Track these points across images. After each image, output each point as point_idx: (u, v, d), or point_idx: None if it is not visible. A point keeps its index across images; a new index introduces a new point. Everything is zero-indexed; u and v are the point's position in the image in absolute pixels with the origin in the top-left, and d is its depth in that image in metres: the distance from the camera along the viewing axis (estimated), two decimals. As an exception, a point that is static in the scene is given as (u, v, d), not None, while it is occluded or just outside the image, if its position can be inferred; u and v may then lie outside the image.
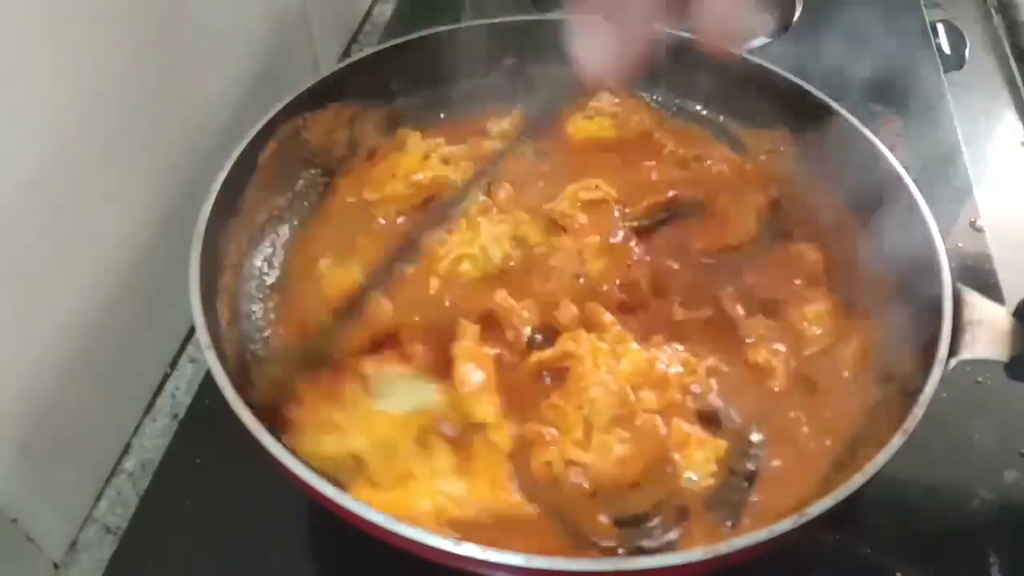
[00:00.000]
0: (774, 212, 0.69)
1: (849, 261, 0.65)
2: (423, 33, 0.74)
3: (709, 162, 0.73)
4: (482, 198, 0.68)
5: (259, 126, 0.64)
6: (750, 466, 0.54)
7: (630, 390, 0.54)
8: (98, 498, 0.62)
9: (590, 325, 0.59)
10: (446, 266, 0.64)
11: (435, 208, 0.68)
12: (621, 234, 0.66)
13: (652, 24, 0.44)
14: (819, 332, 0.60)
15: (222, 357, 0.51)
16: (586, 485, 0.52)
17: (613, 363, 0.56)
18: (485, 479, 0.51)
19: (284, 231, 0.68)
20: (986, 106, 0.99)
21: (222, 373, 0.49)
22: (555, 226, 0.67)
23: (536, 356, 0.57)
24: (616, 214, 0.68)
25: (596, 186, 0.68)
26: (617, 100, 0.77)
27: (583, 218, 0.67)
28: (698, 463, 0.53)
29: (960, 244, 0.79)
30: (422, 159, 0.70)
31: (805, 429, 0.56)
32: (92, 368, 0.60)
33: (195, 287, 0.53)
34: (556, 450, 0.52)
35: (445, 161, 0.71)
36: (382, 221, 0.69)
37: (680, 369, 0.57)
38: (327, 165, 0.72)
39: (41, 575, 0.58)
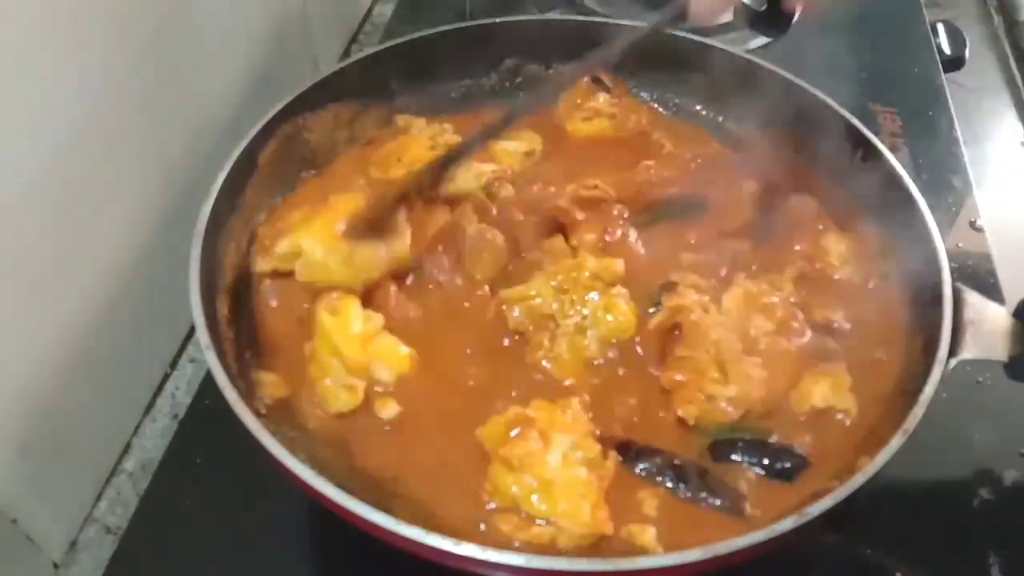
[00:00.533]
0: (769, 198, 0.69)
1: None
2: (423, 33, 0.74)
3: (703, 160, 0.73)
4: (482, 196, 0.68)
5: (259, 126, 0.64)
6: None
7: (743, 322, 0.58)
8: (98, 498, 0.62)
9: None
10: None
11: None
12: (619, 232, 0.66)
13: None
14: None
15: (222, 357, 0.52)
16: (735, 413, 0.55)
17: (715, 305, 0.59)
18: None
19: (284, 231, 0.68)
20: (986, 106, 0.99)
21: (222, 373, 0.49)
22: (552, 225, 0.68)
23: (653, 321, 0.59)
24: (615, 212, 0.67)
25: (595, 186, 0.68)
26: (616, 101, 0.77)
27: (581, 215, 0.67)
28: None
29: (960, 244, 0.79)
30: (428, 148, 0.70)
31: None
32: (92, 368, 0.60)
33: (195, 287, 0.53)
34: (699, 392, 0.55)
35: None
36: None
37: (771, 290, 0.61)
38: (327, 165, 0.72)
39: (41, 575, 0.58)
